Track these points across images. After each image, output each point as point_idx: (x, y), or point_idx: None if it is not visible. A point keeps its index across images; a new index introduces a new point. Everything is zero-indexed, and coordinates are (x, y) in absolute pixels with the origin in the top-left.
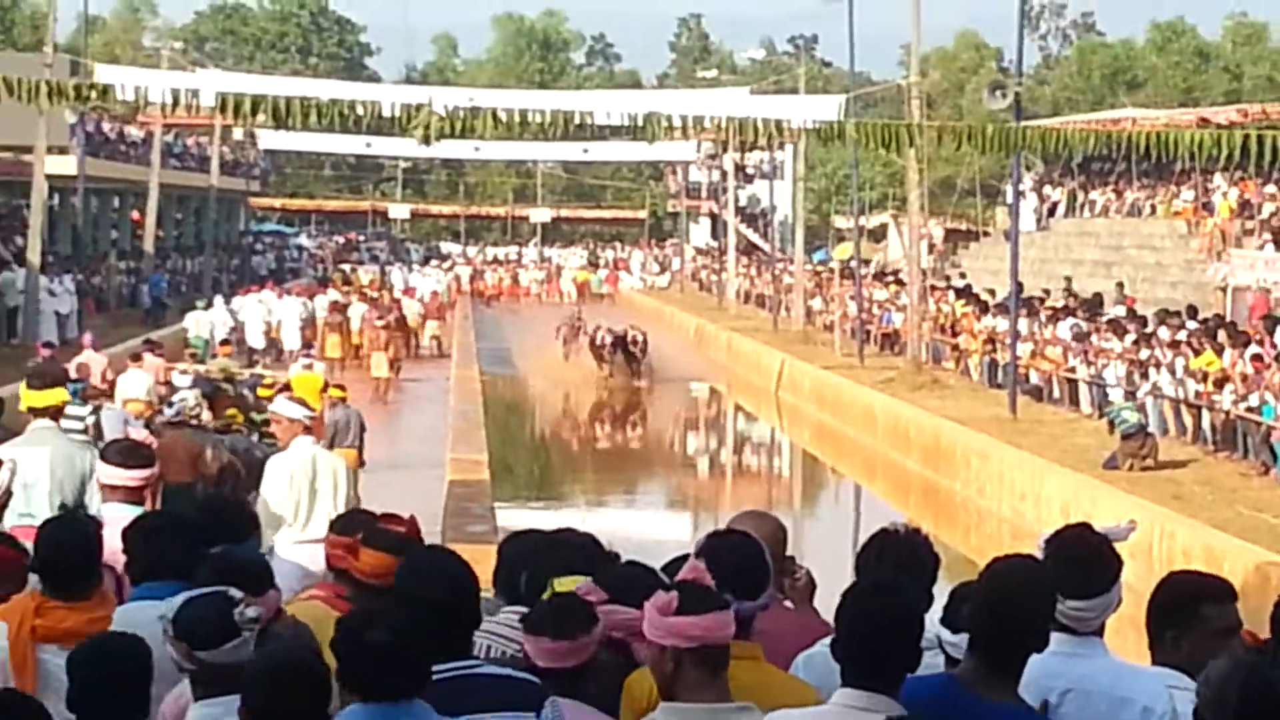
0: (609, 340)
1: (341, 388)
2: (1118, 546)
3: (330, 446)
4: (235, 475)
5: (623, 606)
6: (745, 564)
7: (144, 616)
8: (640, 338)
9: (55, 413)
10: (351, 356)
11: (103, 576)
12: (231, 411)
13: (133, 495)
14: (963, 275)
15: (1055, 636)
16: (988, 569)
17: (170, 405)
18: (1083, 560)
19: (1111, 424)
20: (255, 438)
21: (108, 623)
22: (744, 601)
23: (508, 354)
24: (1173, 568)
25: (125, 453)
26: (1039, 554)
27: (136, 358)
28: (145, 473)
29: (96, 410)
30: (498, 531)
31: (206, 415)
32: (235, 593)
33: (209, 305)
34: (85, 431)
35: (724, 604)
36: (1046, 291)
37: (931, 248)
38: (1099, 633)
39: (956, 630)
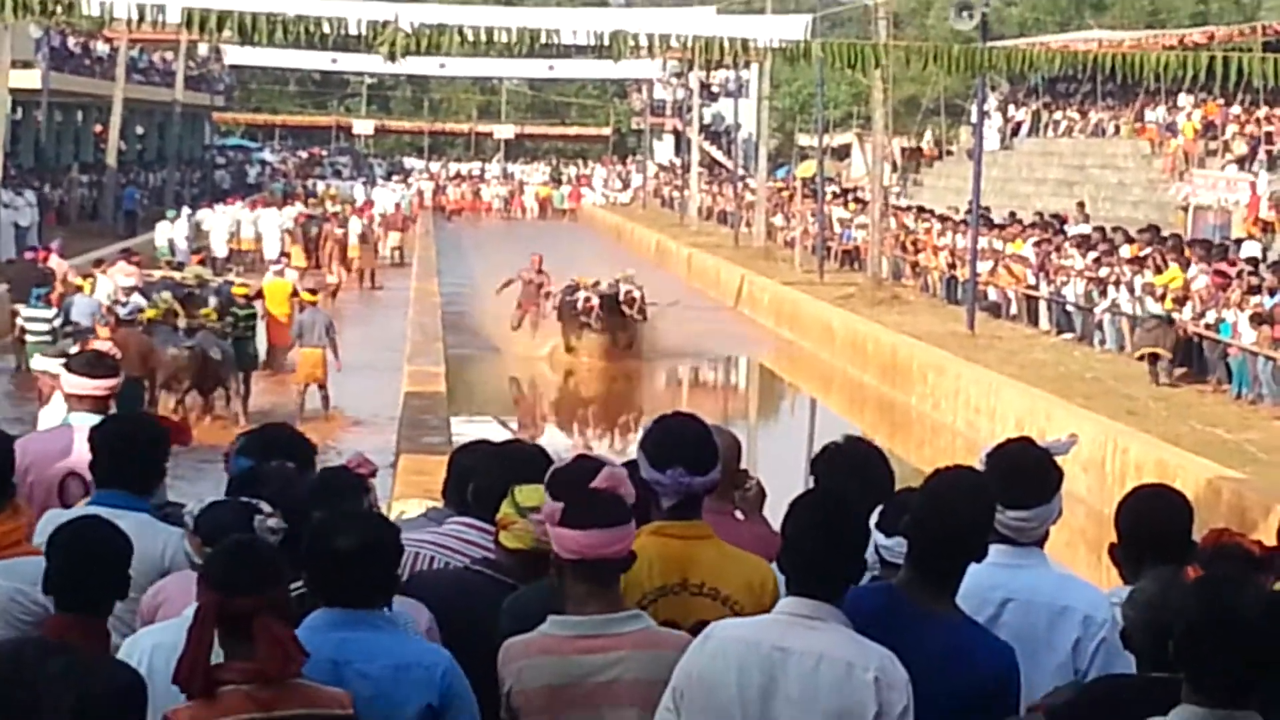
0: (596, 302)
1: (313, 292)
2: (1060, 460)
3: (299, 345)
4: (196, 369)
5: None
6: (693, 438)
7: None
8: (638, 295)
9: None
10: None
11: (15, 489)
12: (206, 311)
13: (99, 405)
14: (904, 194)
15: (995, 548)
16: (927, 480)
17: (123, 305)
18: (1023, 471)
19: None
20: (231, 330)
21: (21, 533)
22: (695, 476)
23: (472, 324)
24: (1125, 482)
25: (91, 363)
26: (981, 466)
27: (98, 263)
28: (111, 382)
29: (60, 313)
30: (452, 442)
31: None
32: (265, 507)
33: (177, 218)
34: (52, 332)
35: (616, 520)
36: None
37: (919, 155)
38: (1040, 544)
39: (890, 535)
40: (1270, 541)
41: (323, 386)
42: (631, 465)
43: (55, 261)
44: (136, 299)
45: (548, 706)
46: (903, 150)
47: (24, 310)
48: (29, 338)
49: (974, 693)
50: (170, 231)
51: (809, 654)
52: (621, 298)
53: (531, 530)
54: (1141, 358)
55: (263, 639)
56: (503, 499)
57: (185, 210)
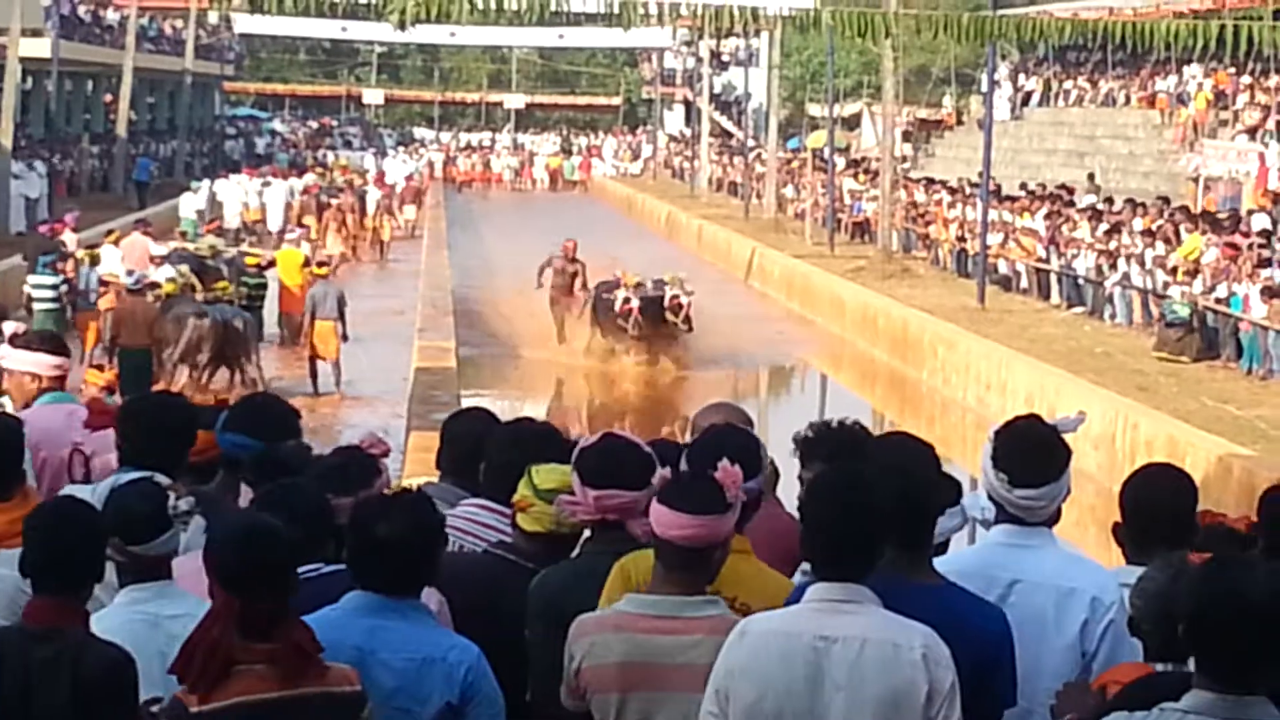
0: (636, 306)
1: (324, 264)
2: (1069, 437)
3: (312, 319)
4: (218, 340)
5: (618, 490)
6: (733, 448)
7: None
8: (685, 301)
9: None
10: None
11: (25, 475)
12: (221, 284)
13: (58, 383)
14: (915, 165)
15: (1003, 528)
16: (872, 453)
17: (130, 274)
18: (1031, 450)
19: (1162, 315)
20: (245, 302)
21: None
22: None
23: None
24: (1135, 459)
25: (45, 339)
26: (989, 445)
27: (108, 234)
28: (66, 361)
29: (66, 281)
30: None
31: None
32: (162, 479)
33: (201, 188)
34: (58, 299)
35: (708, 509)
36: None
37: (931, 125)
38: (1049, 524)
39: None
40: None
41: (335, 362)
42: (660, 446)
43: (68, 236)
44: (141, 271)
45: (617, 683)
46: (918, 121)
47: (30, 278)
48: (35, 305)
49: (972, 661)
50: (196, 202)
51: (852, 639)
52: (666, 303)
53: (550, 513)
54: (1162, 358)
55: (282, 641)
56: (518, 479)
57: (207, 182)
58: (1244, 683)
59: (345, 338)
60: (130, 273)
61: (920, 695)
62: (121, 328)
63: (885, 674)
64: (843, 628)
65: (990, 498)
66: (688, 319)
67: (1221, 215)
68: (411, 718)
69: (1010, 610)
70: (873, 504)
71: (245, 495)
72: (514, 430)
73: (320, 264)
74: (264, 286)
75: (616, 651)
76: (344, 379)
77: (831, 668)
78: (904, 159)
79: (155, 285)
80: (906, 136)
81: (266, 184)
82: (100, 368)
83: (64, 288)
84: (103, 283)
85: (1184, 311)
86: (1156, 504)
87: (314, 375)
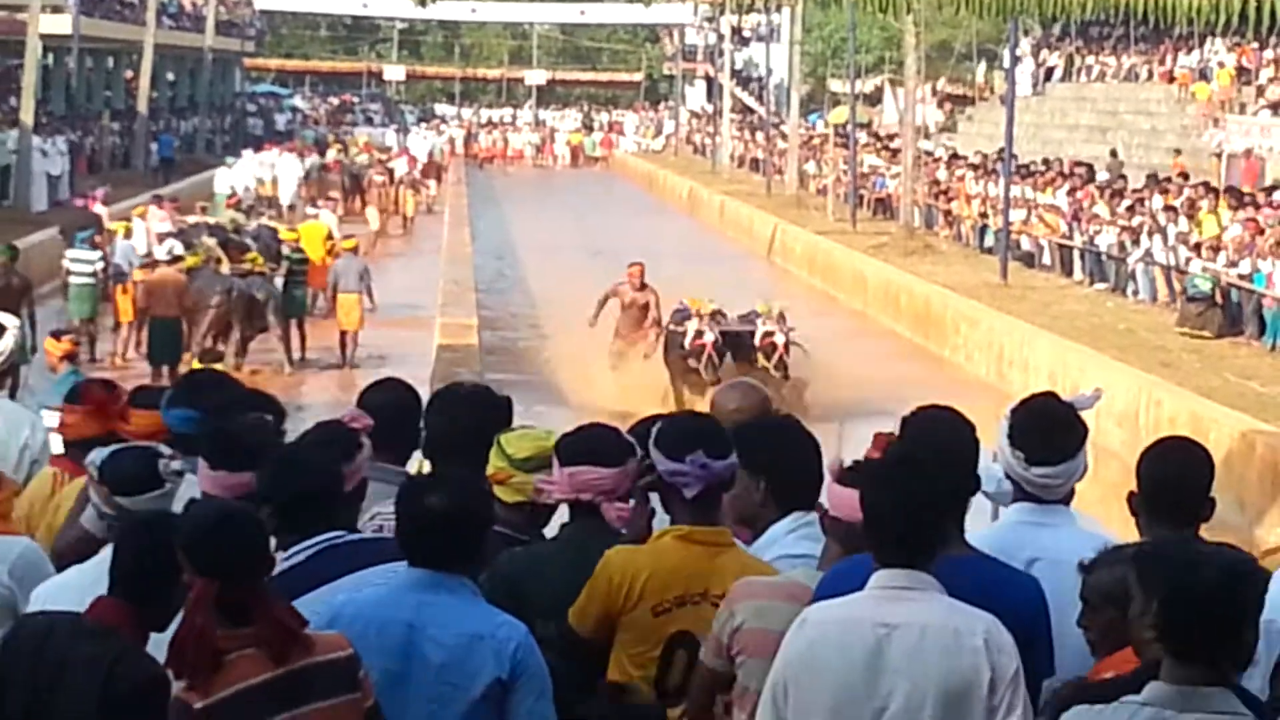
0: (711, 341)
1: (351, 237)
2: (1087, 414)
3: (334, 292)
4: (242, 312)
5: (591, 466)
6: (711, 426)
7: None
8: (781, 340)
9: None
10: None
11: None
12: (251, 256)
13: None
14: (938, 140)
15: (1021, 505)
16: (904, 429)
17: (161, 243)
18: (1047, 427)
19: (1185, 290)
20: (283, 273)
21: (6, 506)
22: (717, 460)
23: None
24: (1159, 435)
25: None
26: (1005, 423)
27: (136, 208)
28: None
29: (103, 256)
30: None
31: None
32: (164, 449)
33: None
34: (95, 275)
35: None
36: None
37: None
38: (1066, 501)
39: None
40: None
41: (354, 335)
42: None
43: (99, 209)
44: (172, 243)
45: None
46: (944, 95)
47: (69, 253)
48: (71, 279)
49: (1010, 630)
50: (230, 178)
51: (913, 626)
52: (757, 341)
53: (530, 480)
54: (1185, 334)
55: (265, 621)
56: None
57: (246, 155)
58: (1204, 672)
59: (373, 309)
60: (162, 240)
61: (984, 683)
62: (152, 299)
63: (947, 661)
64: (903, 615)
65: (1007, 476)
66: (782, 363)
67: (1254, 191)
68: (461, 693)
69: None
70: (934, 491)
71: (202, 469)
72: (448, 408)
73: (347, 237)
74: (305, 263)
75: (786, 621)
76: (366, 354)
77: (892, 655)
78: (927, 134)
79: (179, 258)
80: (941, 107)
81: (279, 158)
82: (58, 335)
83: (100, 264)
84: (142, 257)
85: (1206, 286)
86: (1169, 478)
87: (343, 347)
